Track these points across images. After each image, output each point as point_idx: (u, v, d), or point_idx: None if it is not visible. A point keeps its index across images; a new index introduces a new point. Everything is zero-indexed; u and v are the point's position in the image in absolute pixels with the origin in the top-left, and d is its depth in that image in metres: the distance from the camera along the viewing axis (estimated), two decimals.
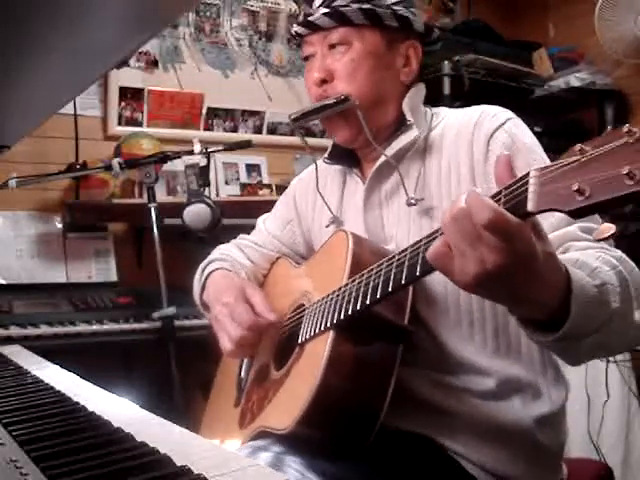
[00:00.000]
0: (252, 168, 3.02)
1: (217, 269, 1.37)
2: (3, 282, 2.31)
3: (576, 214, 0.69)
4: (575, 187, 0.67)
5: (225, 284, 1.30)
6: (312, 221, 1.37)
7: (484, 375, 1.09)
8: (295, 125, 1.26)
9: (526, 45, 3.39)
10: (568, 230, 1.00)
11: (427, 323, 1.11)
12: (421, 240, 0.90)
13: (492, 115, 1.14)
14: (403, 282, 0.92)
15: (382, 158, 1.20)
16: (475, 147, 1.13)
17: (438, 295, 1.11)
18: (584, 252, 0.95)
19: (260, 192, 2.87)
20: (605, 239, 0.73)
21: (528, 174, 0.74)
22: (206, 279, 1.37)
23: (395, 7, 1.19)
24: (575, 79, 3.18)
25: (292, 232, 1.42)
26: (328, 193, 1.32)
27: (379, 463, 1.03)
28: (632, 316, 0.91)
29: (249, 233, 1.51)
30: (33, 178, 2.19)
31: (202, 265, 1.42)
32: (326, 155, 1.32)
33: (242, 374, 1.33)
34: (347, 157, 1.29)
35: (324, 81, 1.19)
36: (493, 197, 0.77)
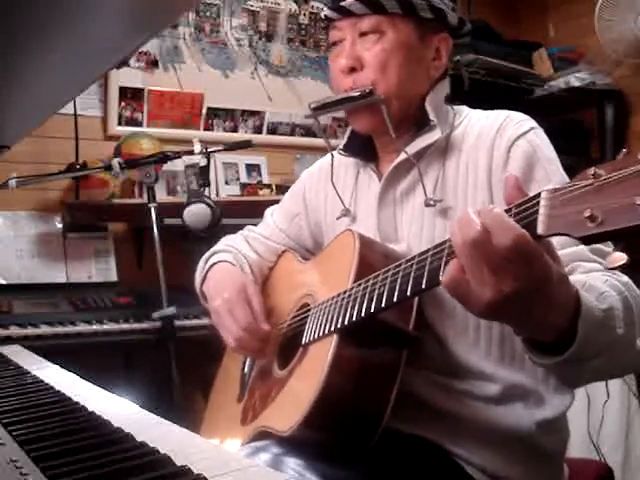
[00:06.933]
0: (252, 168, 3.02)
1: (220, 261, 1.36)
2: (3, 282, 2.31)
3: (586, 241, 0.67)
4: (587, 213, 0.65)
5: (227, 279, 1.29)
6: (323, 214, 1.34)
7: (489, 381, 1.08)
8: (314, 115, 1.23)
9: (526, 45, 3.39)
10: (577, 249, 0.98)
11: (434, 326, 1.09)
12: (428, 250, 0.88)
13: (516, 122, 1.12)
14: (408, 294, 0.90)
15: (402, 155, 1.16)
16: (496, 152, 1.10)
17: (446, 298, 1.08)
18: (590, 274, 0.94)
19: (260, 192, 2.87)
20: (615, 268, 0.71)
21: (539, 195, 0.72)
22: (208, 270, 1.36)
23: None
24: (575, 79, 3.17)
25: (299, 226, 1.40)
26: (341, 185, 1.29)
27: (380, 465, 1.02)
28: (634, 343, 0.90)
29: None
30: (33, 178, 2.19)
31: (206, 255, 1.41)
32: (341, 146, 1.28)
33: (245, 369, 1.33)
34: (363, 150, 1.25)
35: (353, 69, 1.15)
36: None
